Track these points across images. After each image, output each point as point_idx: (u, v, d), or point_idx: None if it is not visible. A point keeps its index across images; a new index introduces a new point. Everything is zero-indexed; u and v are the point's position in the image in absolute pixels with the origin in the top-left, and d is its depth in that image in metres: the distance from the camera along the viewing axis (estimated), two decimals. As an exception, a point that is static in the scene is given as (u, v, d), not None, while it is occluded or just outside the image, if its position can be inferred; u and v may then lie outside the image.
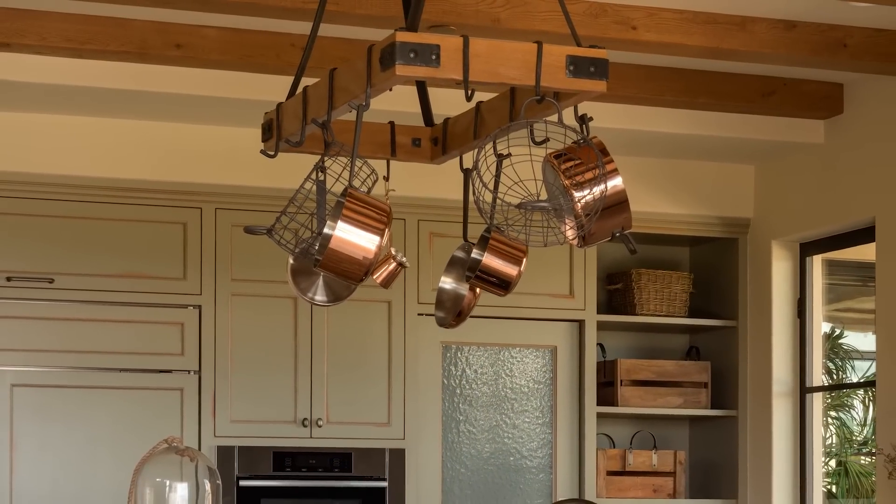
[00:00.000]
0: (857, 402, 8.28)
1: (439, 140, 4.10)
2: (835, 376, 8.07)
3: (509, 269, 3.96)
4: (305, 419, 6.41)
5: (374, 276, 3.97)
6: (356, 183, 3.65)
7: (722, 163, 7.01)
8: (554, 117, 3.54)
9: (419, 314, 6.57)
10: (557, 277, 6.80)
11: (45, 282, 6.14)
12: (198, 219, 6.33)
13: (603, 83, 3.49)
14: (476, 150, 3.65)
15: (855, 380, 8.18)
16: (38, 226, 6.16)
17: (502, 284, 3.98)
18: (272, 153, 3.98)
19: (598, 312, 6.94)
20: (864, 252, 6.52)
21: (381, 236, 3.58)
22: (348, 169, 3.63)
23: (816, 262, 6.90)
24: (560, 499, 6.70)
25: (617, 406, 6.99)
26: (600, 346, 7.04)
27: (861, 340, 7.91)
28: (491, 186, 3.72)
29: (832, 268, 7.04)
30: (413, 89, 4.13)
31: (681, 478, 7.12)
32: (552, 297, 6.80)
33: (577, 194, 3.58)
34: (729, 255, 7.15)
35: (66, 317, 6.17)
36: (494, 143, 3.67)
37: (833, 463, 8.02)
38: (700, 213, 7.01)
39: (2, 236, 6.13)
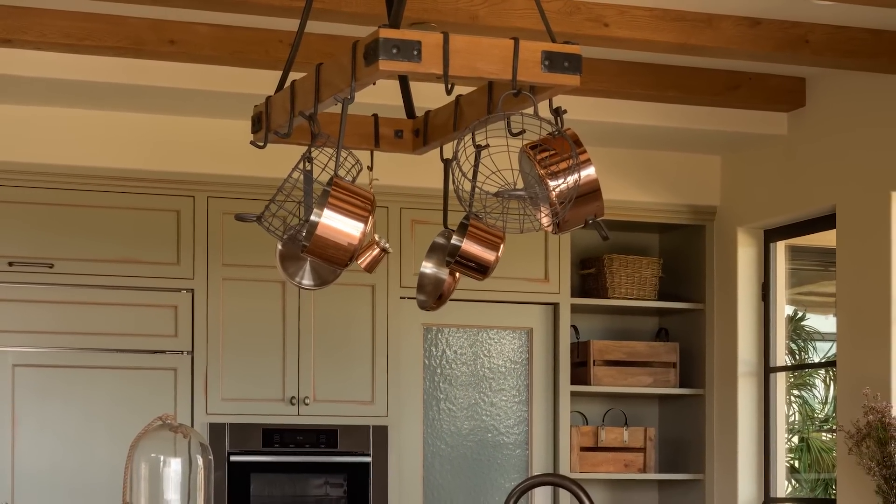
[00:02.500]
0: (818, 382, 8.14)
1: (421, 132, 4.13)
2: (797, 357, 7.92)
3: (487, 255, 4.01)
4: (293, 397, 6.46)
5: (359, 261, 3.99)
6: (341, 172, 3.68)
7: (690, 153, 7.04)
8: (530, 110, 3.59)
9: (401, 297, 6.61)
10: (533, 262, 6.85)
11: (45, 267, 6.18)
12: (190, 207, 6.37)
13: (576, 77, 3.51)
14: (456, 142, 3.68)
15: (816, 360, 8.11)
16: (39, 213, 6.19)
17: (481, 269, 4.03)
18: (261, 144, 4.00)
19: (572, 296, 6.98)
20: (826, 238, 6.55)
21: (365, 223, 3.62)
22: (334, 159, 3.68)
23: (780, 248, 6.93)
24: (535, 473, 6.75)
25: (590, 385, 7.03)
26: (574, 327, 7.09)
27: (822, 322, 7.72)
28: (470, 176, 3.75)
29: (795, 253, 7.03)
30: (396, 83, 4.15)
31: (651, 453, 7.17)
32: (528, 282, 6.84)
33: (551, 183, 3.61)
34: (696, 241, 7.18)
35: (65, 300, 6.22)
36: (473, 134, 3.69)
37: (795, 439, 7.83)
38: (669, 201, 7.04)
39: (3, 223, 6.16)
